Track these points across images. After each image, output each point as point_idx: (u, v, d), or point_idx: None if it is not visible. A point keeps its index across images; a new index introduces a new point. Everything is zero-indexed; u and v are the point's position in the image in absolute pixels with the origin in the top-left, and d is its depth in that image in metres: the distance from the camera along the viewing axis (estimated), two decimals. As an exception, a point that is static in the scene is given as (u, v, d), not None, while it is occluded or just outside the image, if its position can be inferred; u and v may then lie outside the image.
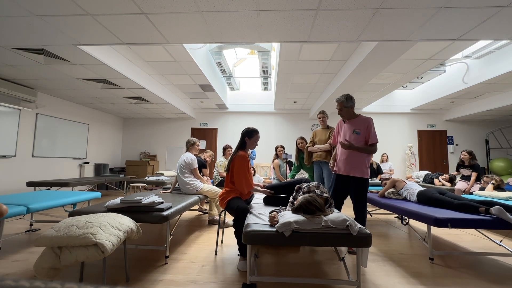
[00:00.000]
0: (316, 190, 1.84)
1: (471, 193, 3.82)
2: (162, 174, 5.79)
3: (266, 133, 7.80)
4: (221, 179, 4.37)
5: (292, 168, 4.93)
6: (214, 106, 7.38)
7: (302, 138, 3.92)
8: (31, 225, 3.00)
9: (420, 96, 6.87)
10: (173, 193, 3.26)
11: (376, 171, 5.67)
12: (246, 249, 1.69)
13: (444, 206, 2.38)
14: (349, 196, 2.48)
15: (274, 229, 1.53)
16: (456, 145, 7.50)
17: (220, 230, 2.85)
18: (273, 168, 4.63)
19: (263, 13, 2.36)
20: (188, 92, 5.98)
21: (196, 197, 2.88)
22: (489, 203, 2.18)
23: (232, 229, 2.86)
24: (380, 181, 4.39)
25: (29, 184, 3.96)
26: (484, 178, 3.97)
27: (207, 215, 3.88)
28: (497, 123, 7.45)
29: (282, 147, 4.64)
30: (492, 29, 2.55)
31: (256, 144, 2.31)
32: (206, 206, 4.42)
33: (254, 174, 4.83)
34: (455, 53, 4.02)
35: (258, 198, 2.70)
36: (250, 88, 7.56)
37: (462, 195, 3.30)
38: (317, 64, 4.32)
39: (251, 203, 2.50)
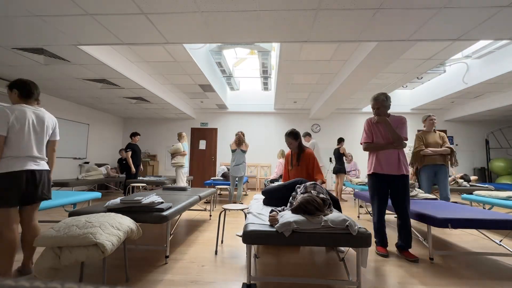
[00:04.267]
0: (312, 191, 1.83)
1: (471, 193, 3.81)
2: (161, 176, 5.85)
3: (266, 133, 7.81)
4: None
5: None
6: (214, 106, 7.38)
7: None
8: (31, 225, 2.99)
9: (420, 96, 6.87)
10: (169, 191, 3.26)
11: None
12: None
13: None
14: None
15: (274, 229, 1.53)
16: (456, 145, 7.50)
17: (220, 230, 2.85)
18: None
19: (263, 13, 2.36)
20: (188, 92, 5.98)
21: (196, 197, 2.88)
22: None
23: (232, 229, 2.87)
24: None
25: (29, 184, 3.95)
26: None
27: (207, 213, 3.89)
28: (497, 123, 7.45)
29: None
30: (492, 29, 2.55)
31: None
32: (205, 206, 4.42)
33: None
34: (455, 53, 4.02)
35: (258, 199, 2.70)
36: (250, 88, 7.57)
37: None
38: (317, 64, 4.32)
39: (250, 203, 2.51)
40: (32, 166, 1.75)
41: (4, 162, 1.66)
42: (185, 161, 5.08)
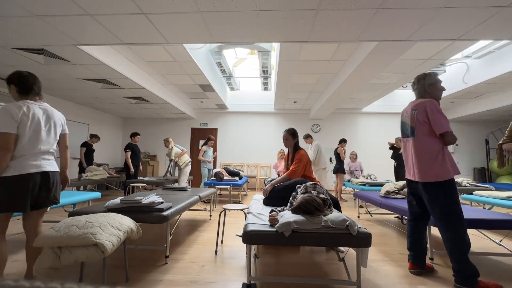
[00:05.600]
0: (312, 191, 1.83)
1: (471, 193, 3.81)
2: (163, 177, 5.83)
3: (266, 133, 7.81)
4: None
5: None
6: (214, 106, 7.38)
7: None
8: (31, 225, 3.00)
9: (420, 96, 6.86)
10: (169, 191, 3.26)
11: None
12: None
13: None
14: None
15: (274, 229, 1.53)
16: (456, 145, 7.50)
17: (220, 230, 2.85)
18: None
19: (263, 13, 2.36)
20: (188, 92, 5.98)
21: (196, 197, 2.88)
22: None
23: (232, 229, 2.88)
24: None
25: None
26: None
27: (207, 212, 3.89)
28: (497, 123, 7.45)
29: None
30: (492, 29, 2.55)
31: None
32: (205, 206, 4.42)
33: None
34: (455, 53, 4.02)
35: (258, 199, 2.70)
36: (250, 88, 7.57)
37: None
38: (317, 64, 4.32)
39: (250, 203, 2.51)
40: (46, 167, 1.62)
41: (16, 163, 1.51)
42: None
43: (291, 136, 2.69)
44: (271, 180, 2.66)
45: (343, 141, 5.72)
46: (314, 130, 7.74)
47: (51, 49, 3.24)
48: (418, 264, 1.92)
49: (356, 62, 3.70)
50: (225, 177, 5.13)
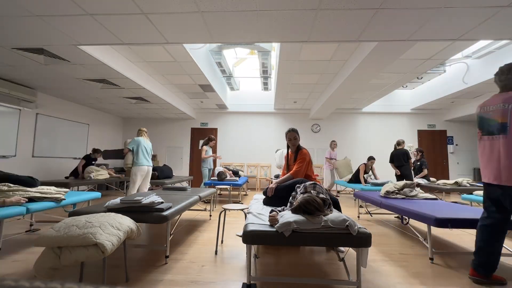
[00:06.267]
0: (312, 191, 1.83)
1: (471, 193, 3.81)
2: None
3: (266, 133, 7.81)
4: None
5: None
6: (214, 106, 7.38)
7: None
8: (31, 225, 3.00)
9: (420, 96, 6.87)
10: (169, 191, 3.26)
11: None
12: None
13: None
14: None
15: (274, 229, 1.53)
16: (456, 145, 7.50)
17: (220, 230, 2.85)
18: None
19: (263, 13, 2.36)
20: (188, 92, 5.98)
21: (196, 197, 2.88)
22: None
23: (232, 229, 2.88)
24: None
25: (29, 184, 3.94)
26: None
27: (207, 212, 3.89)
28: (497, 123, 7.44)
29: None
30: (492, 29, 2.55)
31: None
32: (205, 206, 4.42)
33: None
34: (455, 53, 4.02)
35: (258, 199, 2.70)
36: (250, 88, 7.57)
37: None
38: (317, 64, 4.32)
39: (250, 203, 2.51)
40: None
41: None
42: None
43: (298, 135, 2.69)
44: (276, 178, 2.66)
45: (372, 158, 5.54)
46: (314, 130, 7.74)
47: (51, 49, 3.24)
48: (483, 273, 1.74)
49: (356, 62, 3.70)
50: (228, 177, 5.12)
